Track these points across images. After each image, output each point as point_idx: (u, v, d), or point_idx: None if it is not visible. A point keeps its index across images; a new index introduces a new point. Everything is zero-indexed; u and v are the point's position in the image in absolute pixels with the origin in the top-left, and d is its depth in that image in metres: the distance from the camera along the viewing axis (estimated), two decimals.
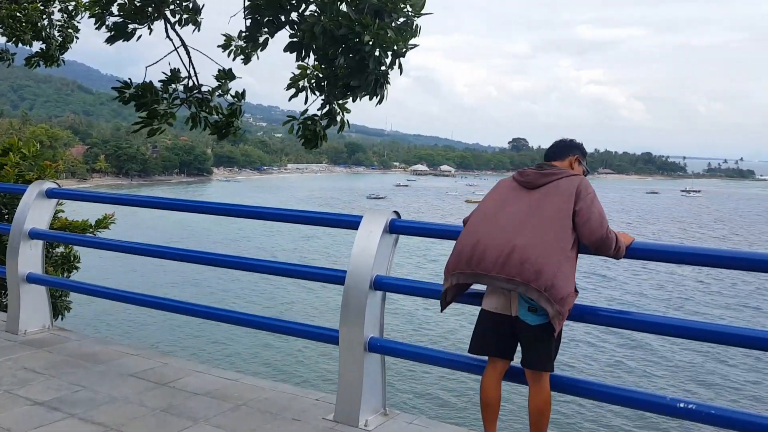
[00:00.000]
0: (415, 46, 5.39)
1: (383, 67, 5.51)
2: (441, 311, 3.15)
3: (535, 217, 2.76)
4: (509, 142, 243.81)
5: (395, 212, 3.56)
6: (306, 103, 5.86)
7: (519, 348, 2.89)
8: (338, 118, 6.13)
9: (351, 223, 3.63)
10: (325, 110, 6.14)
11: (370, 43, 5.05)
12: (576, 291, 2.74)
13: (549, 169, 2.94)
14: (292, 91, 5.73)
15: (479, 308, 3.02)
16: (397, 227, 3.50)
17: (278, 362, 23.13)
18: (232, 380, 3.98)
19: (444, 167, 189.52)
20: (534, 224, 2.74)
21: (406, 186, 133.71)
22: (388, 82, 5.66)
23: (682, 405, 2.62)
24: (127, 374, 4.01)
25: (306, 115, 6.15)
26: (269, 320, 4.19)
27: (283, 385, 4.02)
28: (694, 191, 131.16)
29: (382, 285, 3.40)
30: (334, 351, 3.58)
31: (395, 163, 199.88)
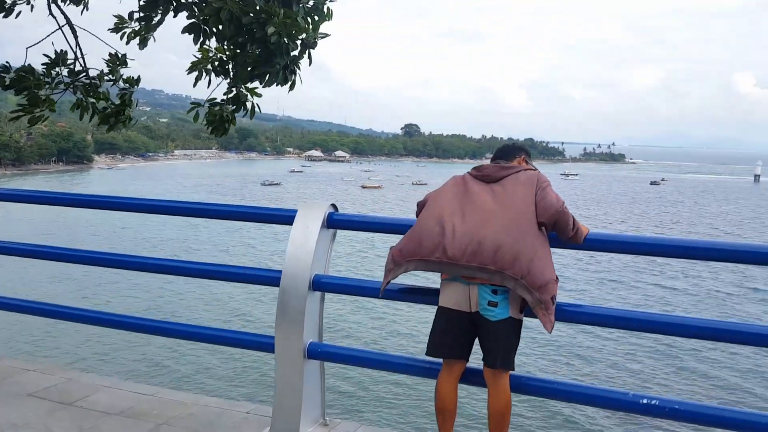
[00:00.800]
0: (326, 35, 5.12)
1: (294, 53, 5.22)
2: (380, 296, 2.99)
3: (502, 206, 2.67)
4: (402, 128, 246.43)
5: (333, 205, 3.29)
6: (209, 87, 5.46)
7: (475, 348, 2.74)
8: (248, 104, 5.78)
9: (284, 218, 3.33)
10: (231, 95, 5.77)
11: (277, 34, 4.75)
12: (557, 278, 2.62)
13: (506, 164, 2.90)
14: (183, 76, 5.30)
15: (430, 306, 2.84)
16: (335, 221, 3.23)
17: (199, 371, 19.53)
18: (148, 395, 3.58)
19: (338, 153, 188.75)
20: (502, 212, 2.65)
21: (301, 172, 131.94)
22: (298, 68, 5.37)
23: (645, 401, 2.56)
24: (25, 394, 3.51)
25: (211, 101, 5.74)
26: (190, 328, 3.80)
27: (207, 398, 3.66)
28: (572, 174, 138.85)
29: (322, 285, 3.14)
30: (264, 357, 3.27)
31: (289, 149, 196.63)
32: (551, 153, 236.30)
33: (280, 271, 3.16)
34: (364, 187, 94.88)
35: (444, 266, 2.64)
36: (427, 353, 2.82)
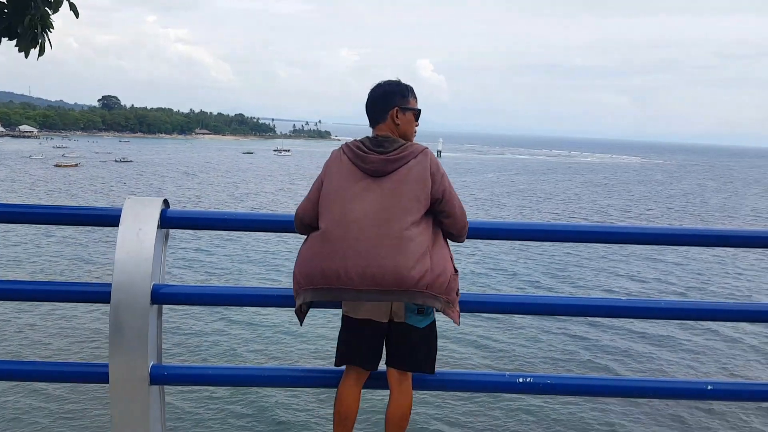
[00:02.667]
0: None
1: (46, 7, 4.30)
2: (301, 325, 2.64)
3: (395, 213, 2.42)
4: (99, 100, 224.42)
5: (165, 200, 2.81)
6: None
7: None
8: None
9: (107, 218, 2.74)
10: None
11: None
12: (456, 271, 2.52)
13: (391, 148, 2.53)
14: None
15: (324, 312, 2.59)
16: (170, 220, 2.76)
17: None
18: None
19: (24, 127, 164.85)
20: (395, 221, 2.41)
21: None
22: (50, 27, 4.46)
23: (521, 380, 2.69)
24: None
25: None
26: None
27: None
28: (284, 150, 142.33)
29: (164, 297, 2.66)
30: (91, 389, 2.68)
31: None
32: (263, 129, 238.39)
33: (110, 285, 2.60)
34: (58, 165, 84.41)
35: (341, 294, 2.40)
36: (338, 363, 2.62)
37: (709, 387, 2.70)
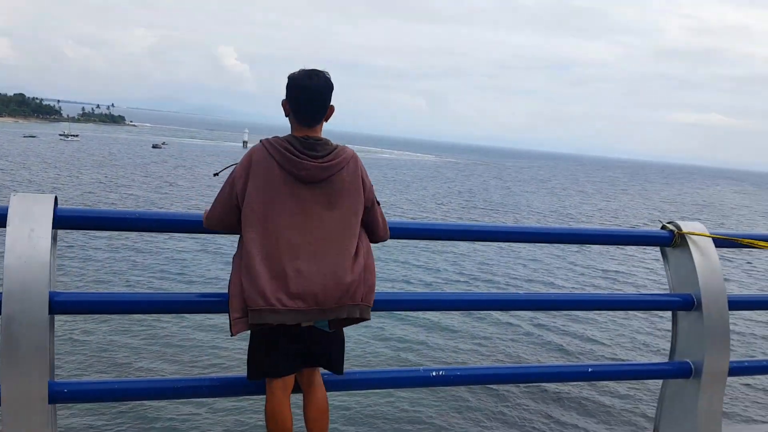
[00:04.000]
0: None
1: None
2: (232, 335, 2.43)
3: (332, 226, 2.37)
4: None
5: (55, 197, 2.51)
6: None
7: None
8: None
9: None
10: None
11: None
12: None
13: (324, 153, 2.38)
14: None
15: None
16: (63, 219, 2.49)
17: None
18: None
19: None
20: (337, 240, 2.37)
21: None
22: None
23: (434, 374, 2.84)
24: None
25: None
26: None
27: None
28: (72, 135, 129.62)
29: (63, 306, 2.40)
30: None
31: None
32: (46, 111, 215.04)
33: None
34: None
35: (287, 315, 2.31)
36: (255, 377, 2.51)
37: (590, 369, 3.11)
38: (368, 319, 2.47)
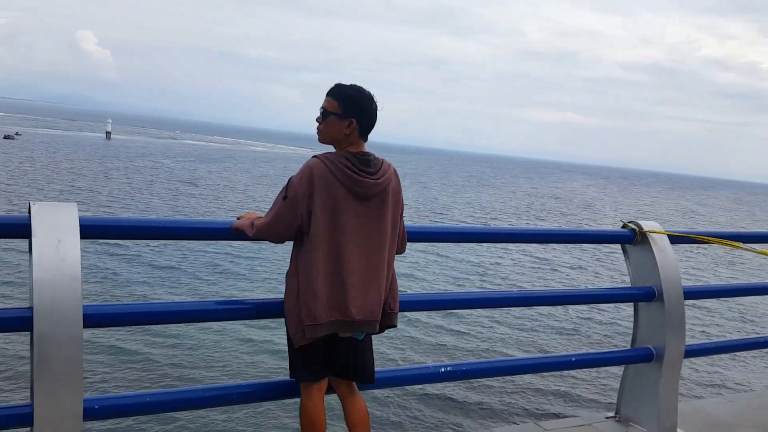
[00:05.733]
0: None
1: None
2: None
3: (381, 239, 2.48)
4: None
5: (75, 204, 2.38)
6: None
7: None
8: None
9: (10, 228, 2.22)
10: None
11: None
12: None
13: (376, 169, 2.47)
14: None
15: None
16: (89, 228, 2.36)
17: None
18: None
19: None
20: (380, 247, 2.48)
21: None
22: None
23: (443, 369, 2.98)
24: None
25: None
26: None
27: None
28: None
29: (97, 319, 2.30)
30: None
31: None
32: None
33: (29, 309, 2.13)
34: None
35: (347, 326, 2.45)
36: (302, 380, 2.55)
37: (573, 359, 3.38)
38: (396, 325, 2.60)
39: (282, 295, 2.56)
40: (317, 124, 2.51)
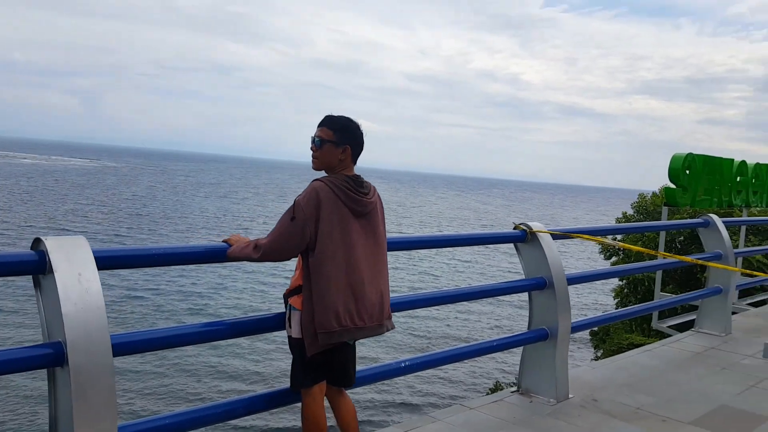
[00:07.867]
0: None
1: None
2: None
3: (378, 250, 2.76)
4: None
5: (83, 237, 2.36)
6: None
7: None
8: None
9: (26, 264, 2.18)
10: None
11: None
12: None
13: (367, 189, 2.77)
14: None
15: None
16: (104, 260, 2.37)
17: None
18: None
19: None
20: (379, 259, 2.75)
21: None
22: None
23: (403, 364, 3.32)
24: None
25: None
26: None
27: None
28: None
29: (125, 348, 2.34)
30: None
31: None
32: None
33: (59, 344, 2.12)
34: None
35: (357, 332, 2.67)
36: (304, 386, 2.73)
37: (495, 343, 3.94)
38: (394, 327, 2.90)
39: (278, 310, 2.74)
40: (312, 152, 2.73)
